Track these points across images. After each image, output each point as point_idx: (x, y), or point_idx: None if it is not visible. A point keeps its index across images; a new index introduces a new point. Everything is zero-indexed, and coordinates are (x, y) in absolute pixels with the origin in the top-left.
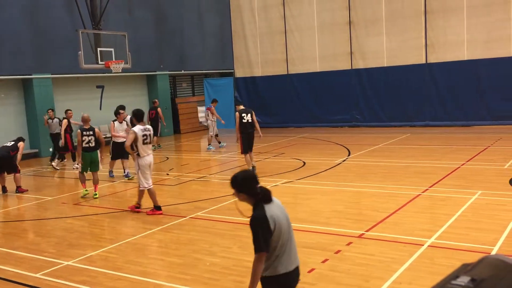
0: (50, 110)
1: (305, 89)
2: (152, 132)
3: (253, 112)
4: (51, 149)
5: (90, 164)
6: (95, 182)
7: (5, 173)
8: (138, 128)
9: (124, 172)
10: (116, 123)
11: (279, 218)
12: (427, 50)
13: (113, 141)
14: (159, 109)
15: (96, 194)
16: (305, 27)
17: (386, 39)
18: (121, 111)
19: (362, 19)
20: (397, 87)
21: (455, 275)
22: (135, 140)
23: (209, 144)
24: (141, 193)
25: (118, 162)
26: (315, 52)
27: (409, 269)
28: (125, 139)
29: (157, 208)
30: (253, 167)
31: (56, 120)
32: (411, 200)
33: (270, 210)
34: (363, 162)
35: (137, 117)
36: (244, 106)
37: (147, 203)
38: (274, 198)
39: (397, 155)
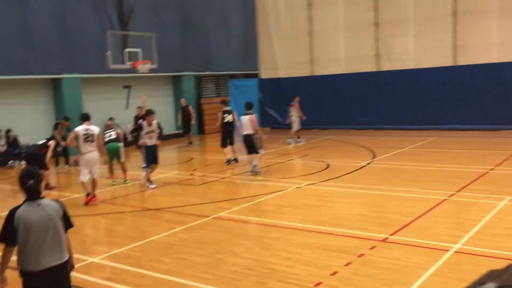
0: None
1: (330, 91)
2: (95, 132)
3: (234, 113)
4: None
5: (114, 155)
6: (125, 170)
7: None
8: (80, 128)
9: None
10: (145, 123)
11: (28, 218)
12: (456, 52)
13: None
14: (189, 107)
15: (126, 180)
16: (330, 28)
17: (413, 40)
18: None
19: (388, 20)
20: (424, 90)
21: (482, 281)
22: (77, 138)
23: (290, 138)
24: (81, 185)
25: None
26: (340, 53)
27: (435, 275)
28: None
29: (86, 195)
30: (235, 159)
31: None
32: (437, 205)
33: (24, 209)
34: (388, 165)
35: (82, 117)
36: (228, 107)
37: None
38: (47, 200)
39: (423, 158)
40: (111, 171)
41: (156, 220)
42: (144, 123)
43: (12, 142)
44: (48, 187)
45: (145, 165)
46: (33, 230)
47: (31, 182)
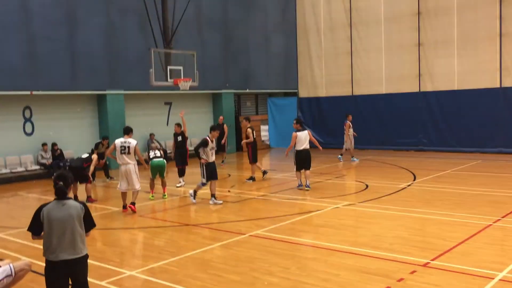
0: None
1: (370, 111)
2: (131, 144)
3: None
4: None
5: (158, 171)
6: (164, 185)
7: (78, 183)
8: (118, 140)
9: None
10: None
11: (51, 215)
12: (501, 73)
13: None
14: (225, 126)
15: (165, 195)
16: (372, 48)
17: (457, 61)
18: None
19: (432, 40)
20: (467, 111)
21: None
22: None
23: (352, 156)
24: (121, 194)
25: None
26: (381, 73)
27: None
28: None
29: (123, 207)
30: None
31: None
32: (481, 230)
33: (50, 207)
34: (429, 187)
35: (123, 131)
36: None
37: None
38: (72, 201)
39: (467, 182)
40: (152, 186)
41: (193, 236)
42: (208, 138)
43: (58, 156)
44: (89, 200)
45: (204, 181)
46: (54, 225)
47: (61, 183)
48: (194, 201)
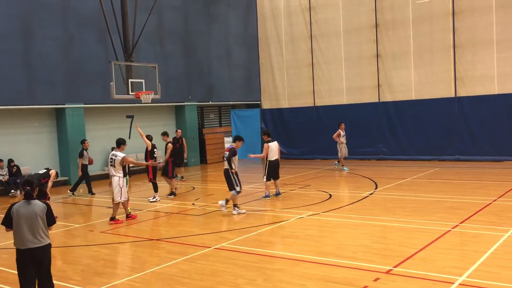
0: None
1: (332, 121)
2: (117, 157)
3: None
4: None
5: None
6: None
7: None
8: (111, 153)
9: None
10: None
11: (19, 211)
12: (456, 83)
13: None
14: (183, 139)
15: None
16: (332, 60)
17: (414, 72)
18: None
19: (390, 52)
20: (425, 121)
21: None
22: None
23: (342, 165)
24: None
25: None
26: (342, 84)
27: None
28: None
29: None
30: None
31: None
32: (440, 236)
33: (18, 205)
34: (390, 195)
35: (115, 143)
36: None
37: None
38: (37, 201)
39: (426, 189)
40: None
41: (157, 251)
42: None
43: (15, 172)
44: None
45: (238, 189)
46: (21, 220)
47: (28, 188)
48: (225, 210)
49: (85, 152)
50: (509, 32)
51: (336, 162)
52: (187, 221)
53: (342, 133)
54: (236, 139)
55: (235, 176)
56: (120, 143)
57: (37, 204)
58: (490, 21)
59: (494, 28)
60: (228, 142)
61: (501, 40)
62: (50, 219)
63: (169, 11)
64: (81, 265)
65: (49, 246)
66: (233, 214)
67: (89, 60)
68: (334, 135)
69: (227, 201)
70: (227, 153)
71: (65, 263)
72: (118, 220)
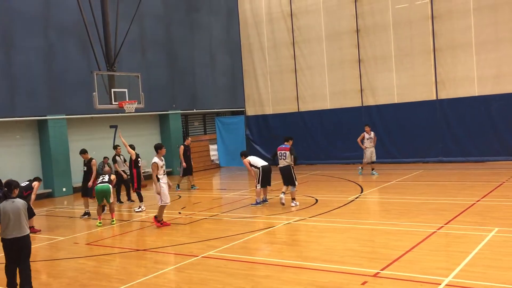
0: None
1: (316, 126)
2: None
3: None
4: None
5: (103, 196)
6: (112, 211)
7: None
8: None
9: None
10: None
11: (6, 208)
12: (437, 86)
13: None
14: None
15: (113, 221)
16: (315, 65)
17: (395, 75)
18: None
19: (371, 56)
20: (408, 123)
21: None
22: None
23: (372, 169)
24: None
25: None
26: (325, 89)
27: None
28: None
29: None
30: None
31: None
32: (426, 238)
33: (4, 204)
34: (376, 199)
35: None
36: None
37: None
38: (18, 199)
39: (411, 191)
40: (99, 212)
41: (144, 261)
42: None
43: None
44: (32, 230)
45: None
46: (8, 215)
47: (6, 189)
48: (296, 203)
49: (118, 158)
50: (486, 34)
51: (360, 168)
52: (174, 230)
53: (367, 136)
54: (289, 138)
55: (294, 172)
56: (155, 148)
57: (19, 201)
58: (468, 24)
59: (473, 31)
60: (213, 149)
61: (479, 43)
62: (30, 213)
63: (151, 20)
64: (67, 278)
65: (29, 235)
66: (292, 206)
67: (71, 70)
68: (358, 139)
69: (284, 193)
70: (287, 152)
71: (50, 277)
72: (165, 222)
